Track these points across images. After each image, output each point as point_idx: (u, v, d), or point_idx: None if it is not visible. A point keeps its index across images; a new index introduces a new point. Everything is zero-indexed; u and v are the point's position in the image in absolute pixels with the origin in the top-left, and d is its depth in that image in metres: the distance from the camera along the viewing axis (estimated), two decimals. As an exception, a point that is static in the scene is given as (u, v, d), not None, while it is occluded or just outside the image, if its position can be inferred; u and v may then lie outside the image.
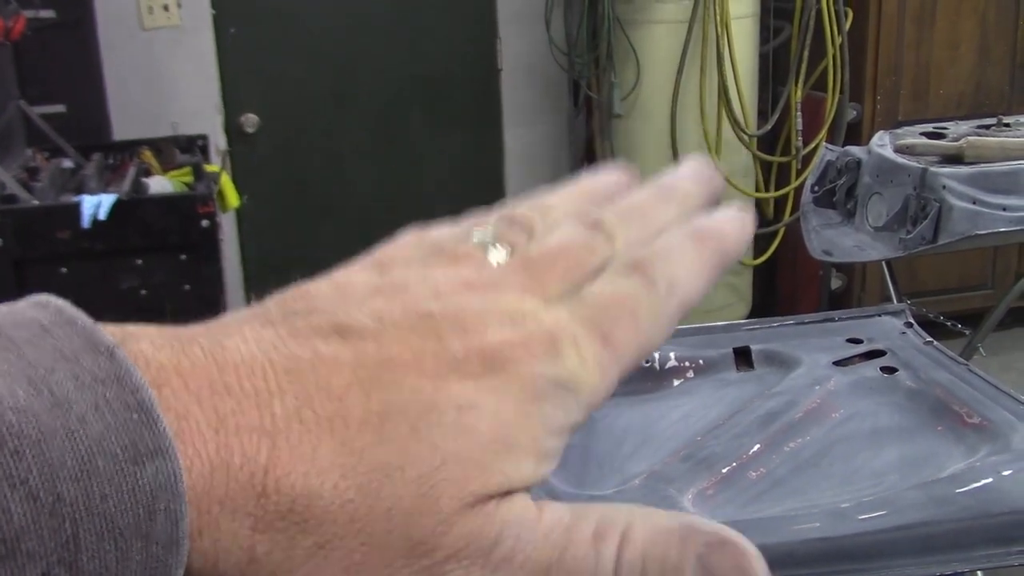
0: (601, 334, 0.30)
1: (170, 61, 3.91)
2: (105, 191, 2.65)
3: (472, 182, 4.27)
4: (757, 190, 3.91)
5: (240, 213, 3.89)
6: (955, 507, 1.17)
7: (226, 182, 3.00)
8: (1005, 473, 1.21)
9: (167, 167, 3.02)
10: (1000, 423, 1.35)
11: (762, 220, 3.99)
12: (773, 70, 3.95)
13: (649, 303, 0.32)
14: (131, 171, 2.84)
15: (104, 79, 3.78)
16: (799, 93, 3.78)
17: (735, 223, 0.35)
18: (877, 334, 1.71)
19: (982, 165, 2.14)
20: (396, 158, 4.17)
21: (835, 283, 3.87)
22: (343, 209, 4.16)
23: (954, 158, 2.20)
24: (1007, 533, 1.14)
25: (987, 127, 2.47)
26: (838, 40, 3.66)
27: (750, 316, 3.91)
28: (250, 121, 3.97)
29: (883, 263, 2.52)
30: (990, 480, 1.21)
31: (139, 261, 2.62)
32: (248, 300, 4.08)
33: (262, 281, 4.10)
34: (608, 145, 3.91)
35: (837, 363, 1.60)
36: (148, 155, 3.08)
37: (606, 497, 1.33)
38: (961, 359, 1.58)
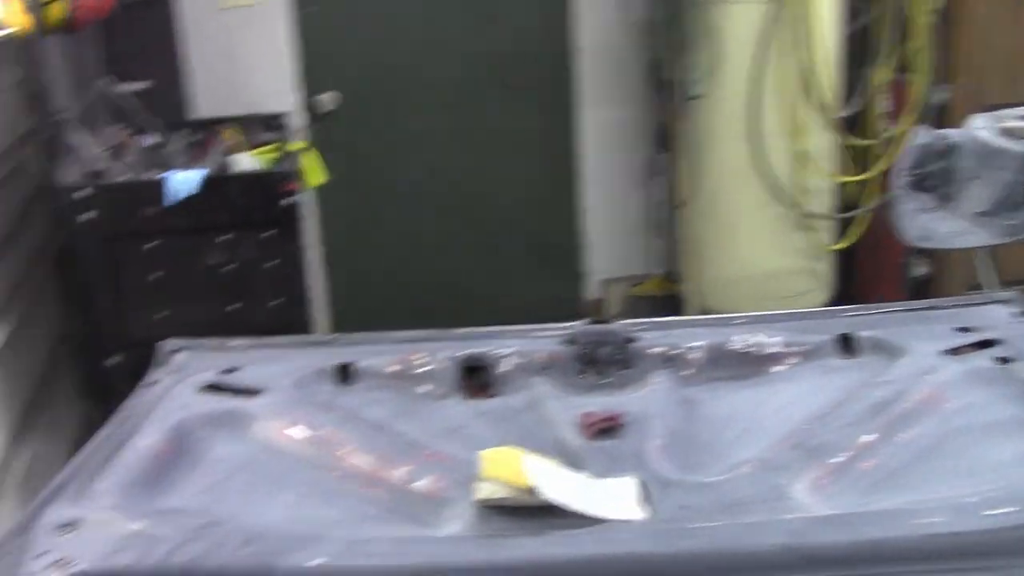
0: None
1: (248, 40, 3.93)
2: (190, 168, 2.67)
3: (547, 163, 4.24)
4: (840, 174, 3.82)
5: (318, 192, 3.91)
6: (1089, 504, 1.12)
7: (310, 159, 3.01)
8: None
9: (250, 145, 3.03)
10: None
11: (845, 205, 3.91)
12: (858, 51, 3.85)
13: None
14: (217, 148, 2.87)
15: (185, 58, 3.82)
16: (884, 75, 3.69)
17: None
18: (986, 322, 1.66)
19: (1093, 149, 2.07)
20: (473, 138, 4.16)
21: (919, 270, 3.77)
22: (419, 189, 4.15)
23: (1062, 142, 2.12)
24: None
25: (1093, 110, 2.38)
26: (926, 20, 3.55)
27: (831, 304, 3.83)
28: (327, 100, 3.98)
29: (980, 250, 2.45)
30: (1125, 477, 1.16)
31: (224, 237, 2.64)
32: (327, 279, 4.11)
33: (339, 261, 4.12)
34: (686, 127, 3.85)
35: (948, 352, 1.56)
36: (231, 132, 3.10)
37: (714, 483, 1.31)
38: (1081, 350, 1.52)
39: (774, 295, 3.69)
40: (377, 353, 1.71)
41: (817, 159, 3.71)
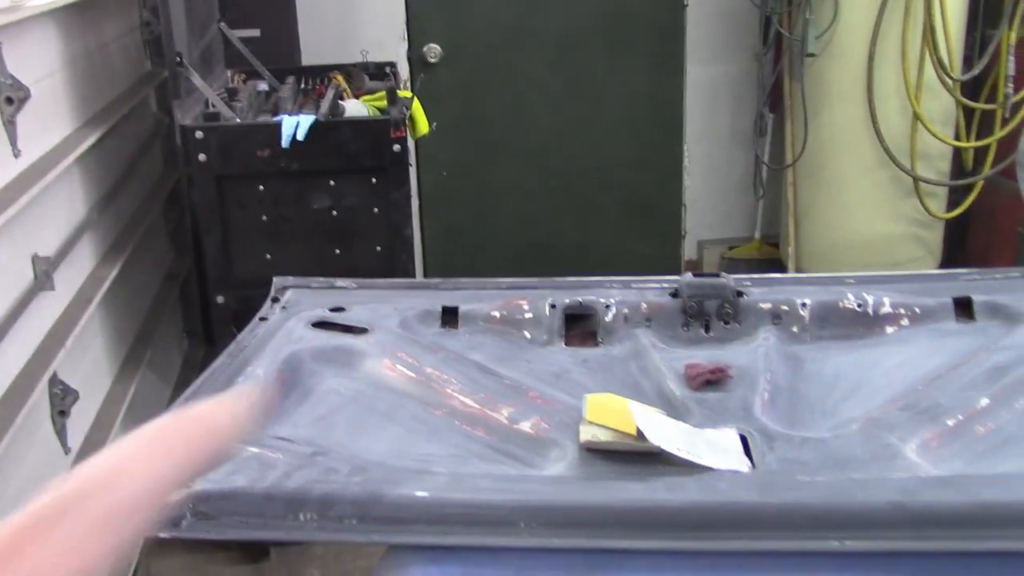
0: None
1: (357, -11, 3.97)
2: (300, 113, 2.71)
3: (653, 120, 4.18)
4: (957, 138, 3.69)
5: (419, 141, 3.94)
6: None
7: (417, 108, 3.03)
8: None
9: (357, 93, 3.07)
10: None
11: (958, 171, 3.77)
12: (985, 10, 3.69)
13: None
14: (329, 94, 2.90)
15: (296, 6, 3.87)
16: (1012, 36, 3.53)
17: None
18: (1115, 292, 1.59)
19: None
20: (576, 93, 4.12)
21: (1035, 241, 3.63)
22: (519, 143, 4.15)
23: None
24: None
25: None
26: (1059, -21, 3.39)
27: (940, 271, 3.72)
28: (433, 51, 3.99)
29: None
30: None
31: (332, 182, 2.68)
32: (422, 227, 4.15)
33: (435, 210, 4.16)
34: (798, 86, 3.75)
35: (1072, 319, 1.50)
36: (340, 79, 3.13)
37: (821, 440, 1.29)
38: None
39: (878, 263, 3.60)
40: (482, 298, 1.72)
41: (933, 123, 3.59)
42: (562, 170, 4.19)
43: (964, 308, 1.60)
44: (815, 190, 3.78)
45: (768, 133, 4.09)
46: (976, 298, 1.60)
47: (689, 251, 4.34)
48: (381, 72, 3.41)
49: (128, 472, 0.51)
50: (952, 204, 3.77)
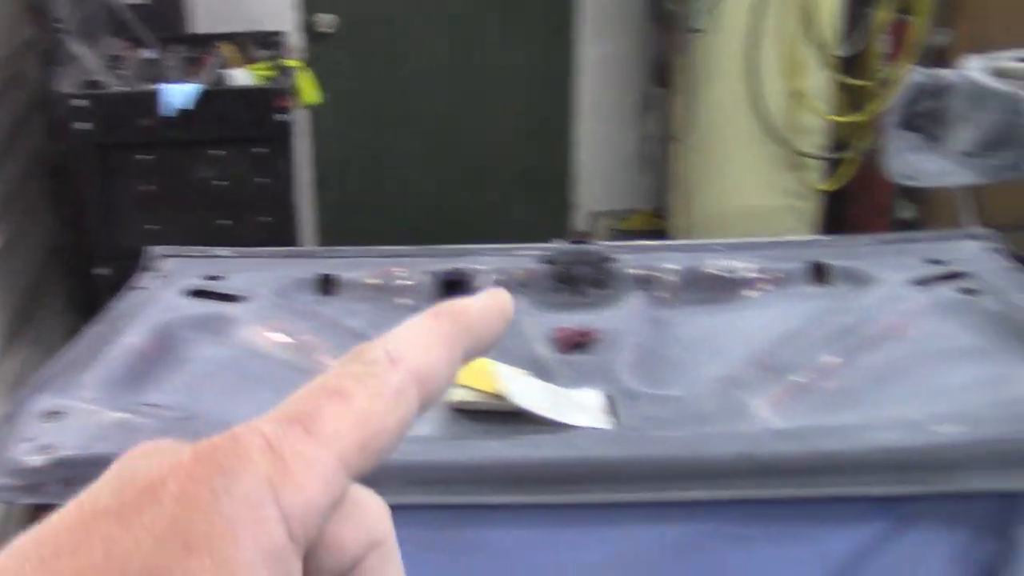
0: (301, 426, 0.27)
1: (247, -44, 3.90)
2: (185, 81, 2.68)
3: (543, 93, 4.23)
4: (834, 113, 3.83)
5: (313, 112, 3.91)
6: (1034, 425, 1.17)
7: (305, 78, 3.01)
8: (1086, 395, 1.21)
9: (247, 61, 3.03)
10: (1083, 348, 1.34)
11: (836, 145, 3.92)
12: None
13: (365, 380, 0.29)
14: (212, 63, 2.87)
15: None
16: (886, 15, 3.67)
17: (482, 299, 0.35)
18: (958, 256, 1.69)
19: (1080, 93, 2.08)
20: (469, 66, 4.14)
21: (905, 212, 3.80)
22: (413, 114, 4.15)
23: (1050, 85, 2.13)
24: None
25: (1086, 55, 2.39)
26: (930, -39, 3.53)
27: (818, 242, 3.86)
28: (326, 21, 3.96)
29: (965, 190, 2.47)
30: (1071, 401, 1.20)
31: (217, 152, 2.65)
32: (315, 199, 4.13)
33: (330, 181, 4.14)
34: (683, 61, 3.84)
35: (916, 282, 1.59)
36: (227, 49, 3.09)
37: (679, 398, 1.35)
38: (1046, 285, 1.56)
39: (760, 233, 3.72)
40: (359, 266, 1.74)
41: (812, 98, 3.71)
42: (455, 142, 4.22)
43: (819, 273, 1.68)
44: (701, 164, 3.88)
45: (656, 108, 4.18)
46: (831, 264, 1.69)
47: (581, 223, 4.42)
48: (271, 42, 3.37)
49: None
50: (829, 177, 3.92)
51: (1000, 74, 2.23)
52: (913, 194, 3.60)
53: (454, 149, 4.21)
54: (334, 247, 1.86)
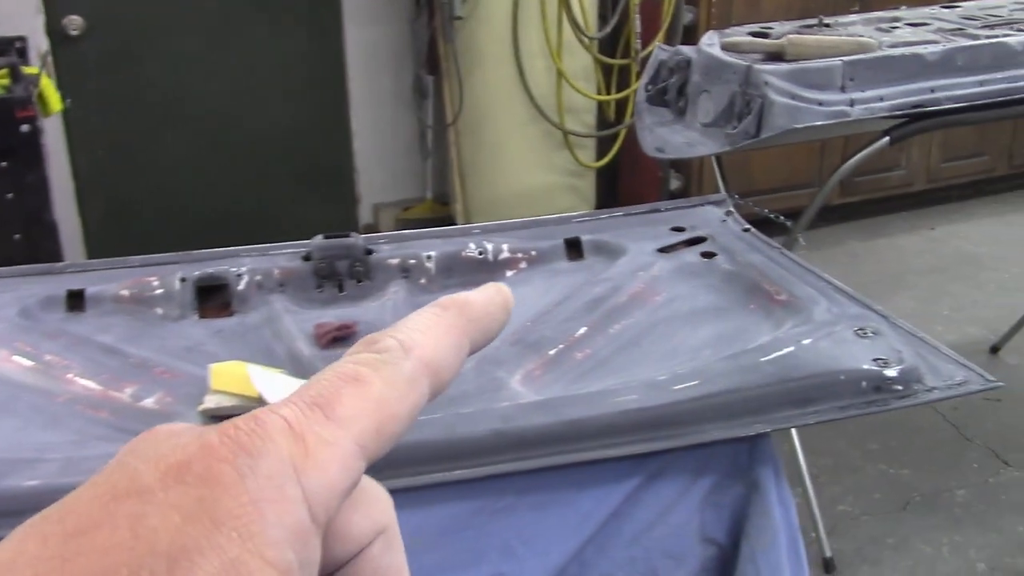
0: (321, 410, 0.29)
1: (-19, -43, 3.64)
2: (-88, 95, 2.48)
3: (315, 84, 4.17)
4: (598, 93, 3.97)
5: (68, 120, 3.71)
6: (759, 375, 1.25)
7: (47, 85, 2.84)
8: (805, 342, 1.31)
9: (-19, 70, 2.83)
10: (804, 298, 1.45)
11: (603, 123, 4.07)
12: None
13: (380, 368, 0.31)
14: (-60, 73, 2.66)
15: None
16: (637, -4, 3.84)
17: (486, 293, 0.37)
18: (700, 222, 1.80)
19: (801, 62, 2.24)
20: (234, 60, 4.03)
21: (674, 183, 3.99)
22: (181, 114, 4.00)
23: (776, 56, 2.29)
24: (804, 395, 1.23)
25: (809, 27, 2.57)
26: (675, -57, 3.71)
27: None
28: (74, 23, 3.76)
29: (713, 159, 2.62)
30: (791, 349, 1.30)
31: (-45, 169, 2.48)
32: (81, 211, 3.92)
33: (95, 191, 3.94)
34: (451, 49, 3.88)
35: (661, 250, 1.68)
36: (-41, 57, 2.88)
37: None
38: (774, 243, 1.68)
39: (539, 213, 3.82)
40: (110, 279, 1.67)
41: (576, 79, 3.84)
42: (230, 140, 4.10)
43: (574, 248, 1.75)
44: (476, 148, 3.94)
45: (430, 95, 4.21)
46: (584, 238, 1.75)
47: (365, 215, 4.40)
48: (9, 47, 3.17)
49: None
50: (600, 154, 4.06)
51: (733, 48, 2.37)
52: (676, 163, 3.79)
53: (227, 148, 4.10)
54: (83, 261, 1.77)
